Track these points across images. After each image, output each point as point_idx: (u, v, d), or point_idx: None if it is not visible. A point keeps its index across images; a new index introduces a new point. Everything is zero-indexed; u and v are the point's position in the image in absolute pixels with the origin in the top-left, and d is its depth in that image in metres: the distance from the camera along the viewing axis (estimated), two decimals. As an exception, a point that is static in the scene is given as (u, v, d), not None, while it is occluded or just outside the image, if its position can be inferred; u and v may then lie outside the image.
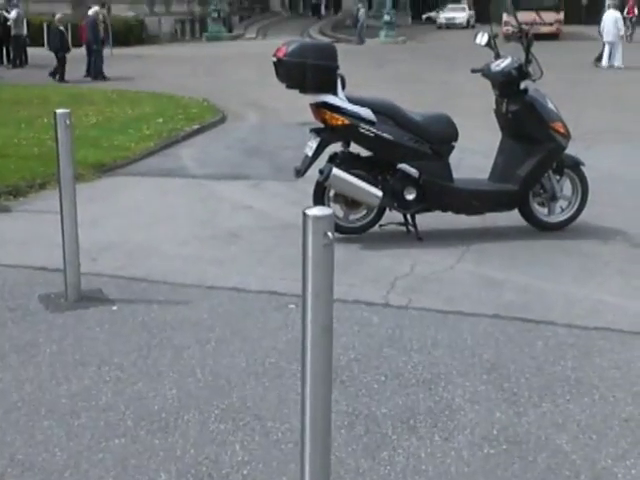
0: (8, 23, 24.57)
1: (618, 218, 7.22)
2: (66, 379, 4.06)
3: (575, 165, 6.77)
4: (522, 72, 6.53)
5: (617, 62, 23.32)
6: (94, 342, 4.50)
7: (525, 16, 37.25)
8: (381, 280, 5.60)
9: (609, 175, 9.04)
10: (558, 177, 6.73)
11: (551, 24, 38.43)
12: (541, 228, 6.77)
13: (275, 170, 9.52)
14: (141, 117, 13.49)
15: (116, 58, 27.54)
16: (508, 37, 6.98)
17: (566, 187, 6.85)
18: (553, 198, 6.74)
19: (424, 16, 59.06)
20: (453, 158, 9.74)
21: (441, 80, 19.84)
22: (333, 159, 6.47)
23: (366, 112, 6.31)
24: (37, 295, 5.21)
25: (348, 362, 4.26)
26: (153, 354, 4.33)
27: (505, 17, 24.95)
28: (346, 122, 6.26)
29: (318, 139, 6.41)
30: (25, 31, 25.08)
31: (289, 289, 5.31)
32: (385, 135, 6.30)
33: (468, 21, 50.58)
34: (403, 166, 6.41)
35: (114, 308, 5.00)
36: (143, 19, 37.55)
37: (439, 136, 6.49)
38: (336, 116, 6.27)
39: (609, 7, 23.75)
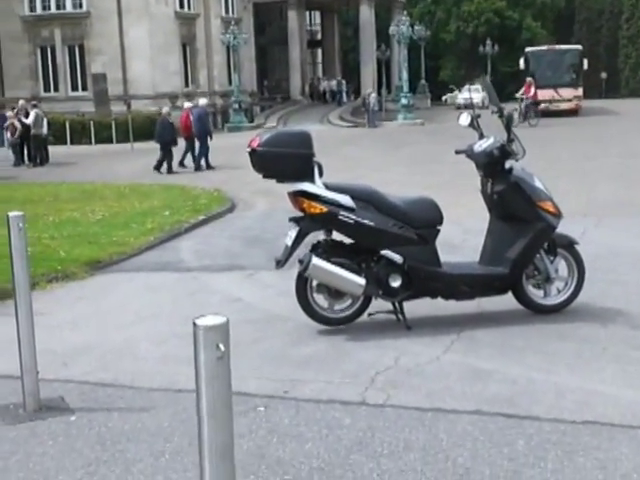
0: (27, 123, 25.06)
1: (621, 297, 6.88)
2: (6, 500, 3.78)
3: (569, 244, 6.47)
4: (505, 151, 6.32)
5: None
6: (43, 458, 4.21)
7: (543, 93, 37.48)
8: (361, 375, 5.28)
9: (616, 251, 8.74)
10: (552, 257, 6.43)
11: (570, 100, 38.47)
12: (537, 311, 6.44)
13: (272, 259, 9.26)
14: (148, 211, 13.44)
15: (137, 152, 27.97)
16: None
17: (562, 267, 6.54)
18: (548, 279, 6.43)
19: (444, 97, 59.62)
20: (456, 239, 9.60)
21: (453, 160, 19.69)
22: (315, 248, 6.26)
23: (345, 199, 6.11)
24: (-5, 405, 4.97)
25: (309, 472, 3.93)
26: (101, 470, 4.03)
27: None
28: (324, 210, 6.07)
29: (297, 228, 6.22)
30: (45, 130, 25.50)
31: (261, 389, 5.07)
32: (365, 221, 6.09)
33: (483, 102, 50.85)
34: (386, 252, 6.16)
35: (72, 418, 4.73)
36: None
37: (423, 220, 6.25)
38: (314, 204, 6.08)
39: None
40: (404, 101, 39.54)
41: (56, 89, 42.34)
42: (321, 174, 6.16)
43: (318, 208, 6.07)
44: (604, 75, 63.27)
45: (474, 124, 6.61)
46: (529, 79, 35.39)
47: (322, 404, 4.80)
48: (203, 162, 21.85)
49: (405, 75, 40.35)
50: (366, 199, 6.19)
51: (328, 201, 6.08)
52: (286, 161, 6.04)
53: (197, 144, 21.94)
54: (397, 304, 6.31)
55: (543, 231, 6.29)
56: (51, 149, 26.66)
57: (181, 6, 43.33)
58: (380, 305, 6.39)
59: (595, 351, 5.57)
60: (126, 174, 20.73)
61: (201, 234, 11.65)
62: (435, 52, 65.24)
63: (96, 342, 6.32)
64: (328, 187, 6.13)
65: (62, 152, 29.01)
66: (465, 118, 6.67)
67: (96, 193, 16.62)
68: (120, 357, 5.91)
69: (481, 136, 6.61)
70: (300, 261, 6.14)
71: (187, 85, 43.61)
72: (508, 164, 6.41)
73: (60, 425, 4.63)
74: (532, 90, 34.05)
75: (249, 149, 6.14)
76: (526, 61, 39.88)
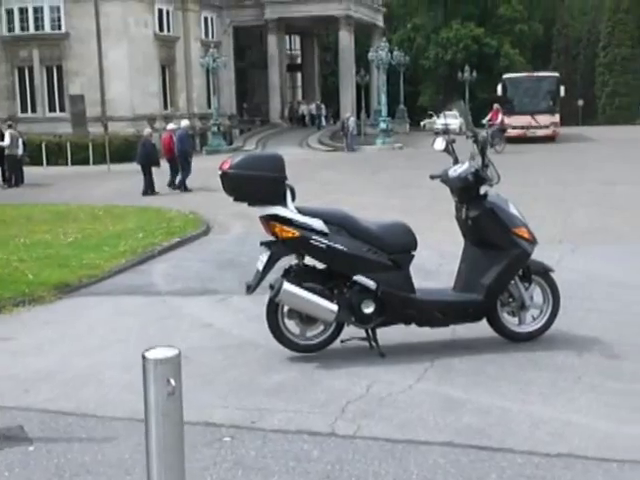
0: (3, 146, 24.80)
1: (597, 325, 6.79)
2: (-45, 537, 3.60)
3: (544, 272, 6.39)
4: (479, 177, 6.25)
5: None
6: (-4, 490, 4.04)
7: (520, 120, 37.67)
8: (331, 404, 5.14)
9: (592, 278, 8.68)
10: (526, 285, 6.34)
11: (547, 127, 38.65)
12: (512, 339, 6.34)
13: (245, 283, 9.14)
14: (121, 233, 13.23)
15: (114, 174, 27.75)
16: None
17: (537, 295, 6.45)
18: (523, 307, 6.34)
19: (422, 123, 59.91)
20: (432, 264, 9.50)
21: (431, 185, 19.66)
22: (287, 273, 6.13)
23: (317, 223, 6.00)
24: (-49, 435, 4.78)
25: (273, 507, 3.78)
26: (56, 504, 3.87)
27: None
28: (296, 234, 5.95)
29: (269, 252, 6.10)
30: (20, 151, 25.24)
31: (228, 419, 4.92)
32: (338, 246, 5.97)
33: (460, 128, 51.11)
34: (359, 278, 6.05)
35: (30, 448, 4.55)
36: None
37: (396, 245, 6.15)
38: (286, 228, 5.97)
39: None
40: (383, 125, 39.63)
41: (34, 110, 42.00)
42: (293, 198, 6.05)
43: (290, 232, 5.96)
44: (581, 102, 63.86)
45: (449, 149, 6.54)
46: (496, 105, 35.51)
47: (290, 435, 4.66)
48: (180, 183, 21.75)
49: (384, 100, 40.42)
50: (339, 223, 6.09)
51: (300, 225, 5.97)
52: (257, 184, 5.93)
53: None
54: (370, 331, 6.19)
55: (518, 258, 6.20)
56: (27, 170, 26.35)
57: (161, 29, 43.25)
58: (353, 332, 6.27)
59: (570, 380, 5.46)
60: (101, 196, 20.50)
61: (174, 257, 11.49)
62: (414, 78, 65.65)
63: (60, 368, 6.14)
64: (300, 211, 6.02)
65: (38, 173, 28.72)
66: (440, 143, 6.60)
67: (70, 215, 16.38)
68: (84, 384, 5.73)
69: (456, 161, 6.54)
70: (271, 286, 6.01)
71: (166, 107, 43.46)
72: (483, 190, 6.33)
73: (17, 455, 4.45)
74: (499, 116, 34.21)
75: (220, 171, 6.03)
76: (503, 88, 40.08)
